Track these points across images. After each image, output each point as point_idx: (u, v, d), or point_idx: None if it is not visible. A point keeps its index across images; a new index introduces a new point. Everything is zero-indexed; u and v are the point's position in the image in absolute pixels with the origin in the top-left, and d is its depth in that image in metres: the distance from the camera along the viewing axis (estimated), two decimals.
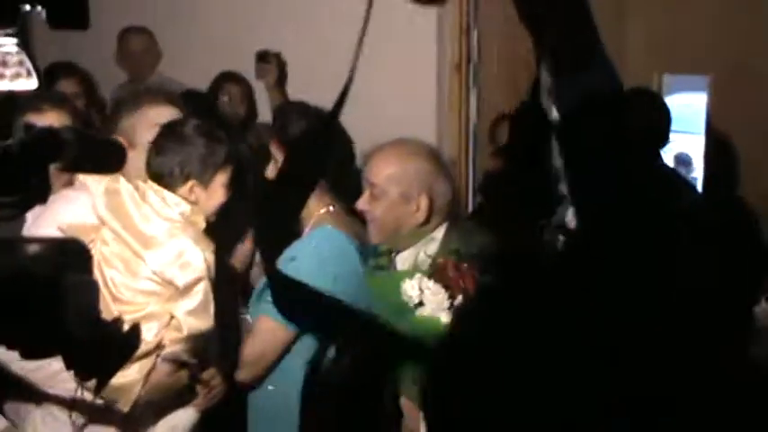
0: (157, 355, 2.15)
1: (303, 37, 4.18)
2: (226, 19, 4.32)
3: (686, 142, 5.52)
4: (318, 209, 2.52)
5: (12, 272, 1.09)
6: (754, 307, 2.38)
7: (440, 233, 2.28)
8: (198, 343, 2.19)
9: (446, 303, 1.96)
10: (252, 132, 3.69)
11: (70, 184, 2.31)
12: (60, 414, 2.18)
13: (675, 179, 3.58)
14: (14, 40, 1.33)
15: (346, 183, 2.58)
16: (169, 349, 2.16)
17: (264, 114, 4.09)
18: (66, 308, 1.08)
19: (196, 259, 2.15)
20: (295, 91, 4.14)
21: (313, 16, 4.21)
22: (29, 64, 1.33)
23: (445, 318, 1.95)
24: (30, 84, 1.35)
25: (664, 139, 3.50)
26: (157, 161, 2.26)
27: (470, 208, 4.04)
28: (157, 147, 2.27)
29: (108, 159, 1.47)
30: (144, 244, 2.16)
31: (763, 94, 3.82)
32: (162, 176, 2.24)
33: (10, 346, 1.10)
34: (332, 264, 2.45)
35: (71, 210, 2.20)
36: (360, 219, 2.45)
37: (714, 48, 3.90)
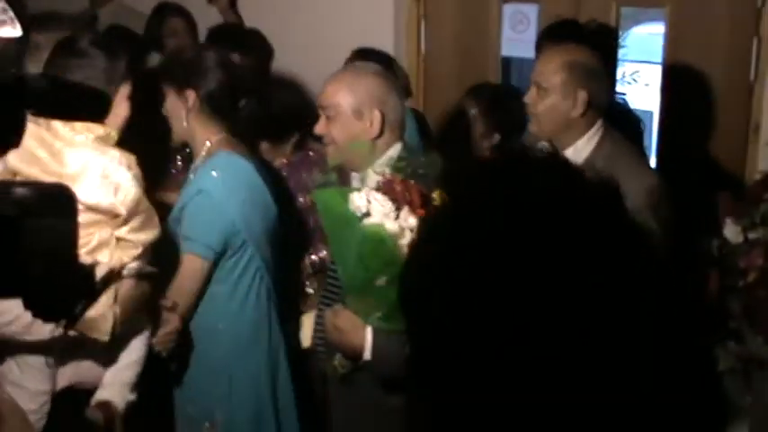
0: (119, 279, 2.17)
1: None
2: None
3: (648, 71, 5.56)
4: (205, 137, 2.61)
5: None
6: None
7: (394, 152, 2.34)
8: (152, 253, 2.24)
9: (393, 214, 2.05)
10: None
11: None
12: (35, 361, 2.22)
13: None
14: None
15: (229, 111, 2.65)
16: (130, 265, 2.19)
17: None
18: (37, 249, 1.09)
19: (123, 178, 2.13)
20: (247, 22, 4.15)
21: None
22: (11, 12, 1.31)
23: (390, 225, 2.04)
24: (14, 32, 1.32)
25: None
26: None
27: None
28: (56, 66, 2.14)
29: (88, 108, 1.43)
30: (70, 180, 2.07)
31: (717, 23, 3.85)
32: None
33: None
34: (239, 189, 2.57)
35: None
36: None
37: None
